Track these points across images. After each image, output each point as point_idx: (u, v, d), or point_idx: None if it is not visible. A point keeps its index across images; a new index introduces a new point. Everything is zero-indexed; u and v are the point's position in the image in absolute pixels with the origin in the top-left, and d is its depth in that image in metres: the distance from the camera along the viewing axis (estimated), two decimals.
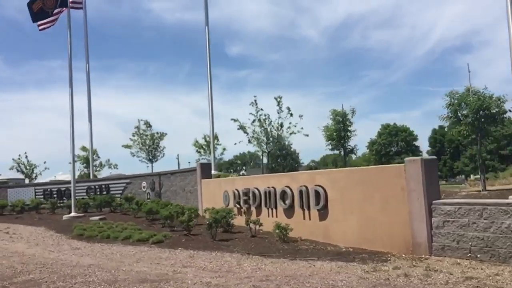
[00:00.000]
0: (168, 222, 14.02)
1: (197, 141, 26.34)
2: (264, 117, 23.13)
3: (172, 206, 15.53)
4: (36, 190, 27.56)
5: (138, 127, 27.31)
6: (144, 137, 27.13)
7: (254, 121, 23.76)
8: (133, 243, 12.30)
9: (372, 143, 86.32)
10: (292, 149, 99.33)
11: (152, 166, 29.55)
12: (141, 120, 27.09)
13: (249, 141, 24.18)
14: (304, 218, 10.92)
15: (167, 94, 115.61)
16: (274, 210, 12.10)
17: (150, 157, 27.67)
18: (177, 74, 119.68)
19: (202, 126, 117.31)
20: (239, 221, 12.80)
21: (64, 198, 26.33)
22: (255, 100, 23.78)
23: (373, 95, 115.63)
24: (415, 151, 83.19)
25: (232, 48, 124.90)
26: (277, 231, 10.66)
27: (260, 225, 11.46)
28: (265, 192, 12.41)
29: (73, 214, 20.06)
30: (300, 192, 10.90)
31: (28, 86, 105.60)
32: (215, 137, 26.42)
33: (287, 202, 11.48)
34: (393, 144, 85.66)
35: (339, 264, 8.06)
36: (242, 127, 23.75)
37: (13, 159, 31.22)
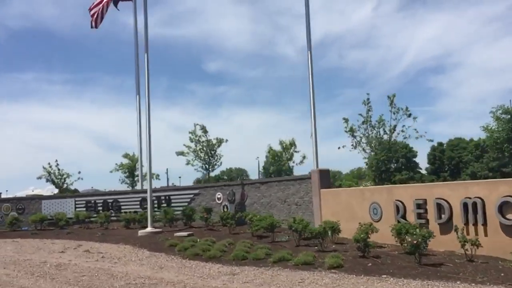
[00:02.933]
0: (318, 240, 11.47)
1: (271, 148, 23.57)
2: (368, 119, 20.57)
3: (298, 220, 12.98)
4: (77, 202, 24.56)
5: (193, 132, 24.57)
6: (202, 143, 24.37)
7: (363, 122, 21.24)
8: (298, 267, 9.69)
9: (372, 159, 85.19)
10: (287, 165, 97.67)
11: (209, 175, 26.87)
12: (197, 124, 24.44)
13: (354, 146, 21.75)
14: None
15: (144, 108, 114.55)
16: (481, 227, 9.66)
17: (207, 166, 25.00)
18: (154, 89, 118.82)
19: (180, 141, 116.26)
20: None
21: (112, 210, 23.42)
22: (368, 99, 21.32)
23: (348, 114, 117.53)
24: (415, 168, 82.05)
25: (210, 64, 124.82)
26: None
27: (478, 246, 9.00)
28: (464, 204, 9.97)
29: (149, 229, 17.27)
30: None
31: (1, 99, 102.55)
32: (293, 144, 23.94)
33: None
34: (392, 161, 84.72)
35: None
36: (351, 130, 21.29)
37: (43, 167, 28.05)
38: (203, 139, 24.53)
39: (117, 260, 12.35)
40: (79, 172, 28.89)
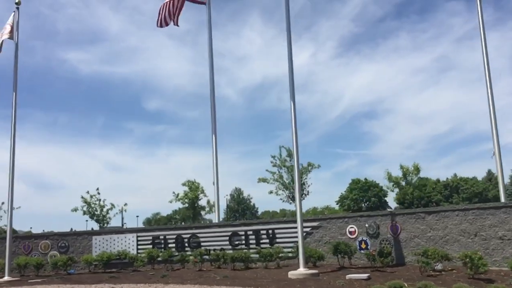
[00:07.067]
0: None
1: (390, 174, 20.32)
2: None
3: None
4: (140, 238, 20.33)
5: (278, 156, 21.20)
6: (286, 169, 21.02)
7: None
8: None
9: (343, 198, 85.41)
10: (251, 203, 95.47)
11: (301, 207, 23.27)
12: (282, 146, 21.11)
13: None
14: None
15: (78, 147, 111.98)
16: None
17: (294, 195, 21.57)
18: (89, 127, 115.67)
19: (116, 180, 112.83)
20: None
21: (188, 248, 19.46)
22: None
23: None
24: (385, 207, 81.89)
25: (149, 103, 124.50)
26: None
27: None
28: None
29: (303, 270, 13.70)
30: None
31: None
32: (417, 168, 20.74)
33: None
34: (364, 200, 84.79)
35: None
36: None
37: (82, 197, 23.30)
38: (288, 164, 21.25)
39: None
40: (125, 204, 24.40)
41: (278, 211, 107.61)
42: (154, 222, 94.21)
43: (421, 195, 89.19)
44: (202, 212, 23.69)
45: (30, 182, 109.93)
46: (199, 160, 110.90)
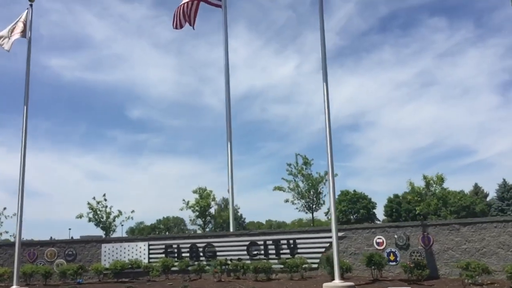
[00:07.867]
0: None
1: (412, 184, 19.90)
2: None
3: None
4: (152, 247, 19.51)
5: (294, 165, 20.64)
6: (302, 177, 20.43)
7: None
8: None
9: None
10: (238, 213, 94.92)
11: (312, 216, 22.73)
12: (298, 154, 20.62)
13: None
14: None
15: (58, 154, 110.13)
16: None
17: (311, 205, 20.99)
18: (70, 134, 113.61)
19: (97, 188, 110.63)
20: None
21: (203, 258, 18.72)
22: None
23: (268, 166, 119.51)
24: (374, 219, 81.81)
25: (133, 111, 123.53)
26: None
27: None
28: None
29: (338, 282, 13.08)
30: None
31: None
32: (440, 179, 20.70)
33: None
34: (353, 211, 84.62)
35: None
36: None
37: (88, 203, 22.33)
38: (304, 172, 20.68)
39: None
40: (133, 211, 23.48)
41: (264, 222, 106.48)
42: (138, 232, 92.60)
43: (409, 207, 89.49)
44: (212, 221, 22.90)
45: (10, 189, 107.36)
46: (181, 169, 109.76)
